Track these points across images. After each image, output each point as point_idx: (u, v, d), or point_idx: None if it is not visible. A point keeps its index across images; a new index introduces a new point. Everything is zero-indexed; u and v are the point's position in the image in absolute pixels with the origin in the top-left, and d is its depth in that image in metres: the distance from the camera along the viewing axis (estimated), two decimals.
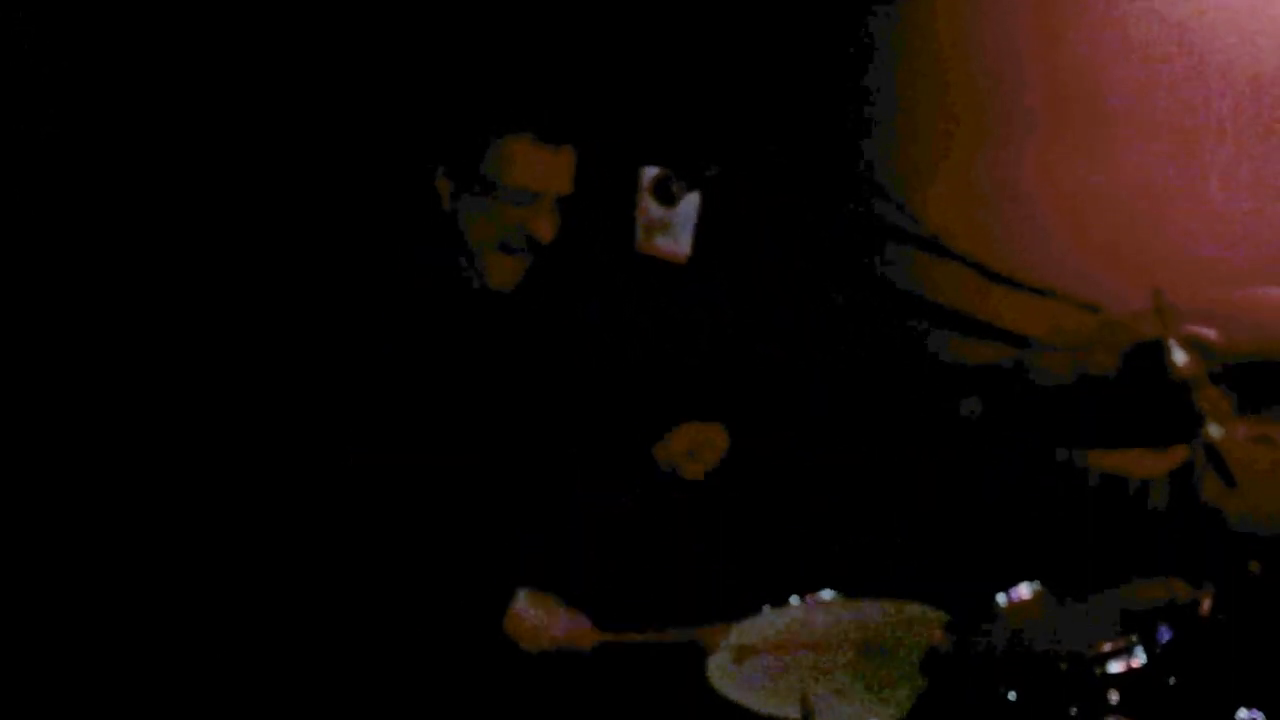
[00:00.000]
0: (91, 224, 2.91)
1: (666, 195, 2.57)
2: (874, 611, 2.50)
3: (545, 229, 2.44)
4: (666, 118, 3.03)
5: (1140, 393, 2.11)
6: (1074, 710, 1.91)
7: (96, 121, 2.91)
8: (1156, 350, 2.10)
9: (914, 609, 2.47)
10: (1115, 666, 1.93)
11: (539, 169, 2.41)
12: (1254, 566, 2.32)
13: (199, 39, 2.93)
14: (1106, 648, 1.93)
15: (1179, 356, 2.08)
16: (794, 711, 2.15)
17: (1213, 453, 2.01)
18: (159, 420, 2.85)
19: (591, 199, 2.73)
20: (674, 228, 2.62)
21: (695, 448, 2.66)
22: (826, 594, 2.55)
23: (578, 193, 2.56)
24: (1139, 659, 1.92)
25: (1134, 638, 1.93)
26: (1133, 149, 2.94)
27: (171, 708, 2.67)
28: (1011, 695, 1.94)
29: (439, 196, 2.43)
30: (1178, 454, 2.50)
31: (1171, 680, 1.92)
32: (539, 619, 2.39)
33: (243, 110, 2.95)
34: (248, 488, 2.41)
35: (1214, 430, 1.97)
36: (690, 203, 2.60)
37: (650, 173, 2.58)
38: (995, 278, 2.71)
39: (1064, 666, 1.94)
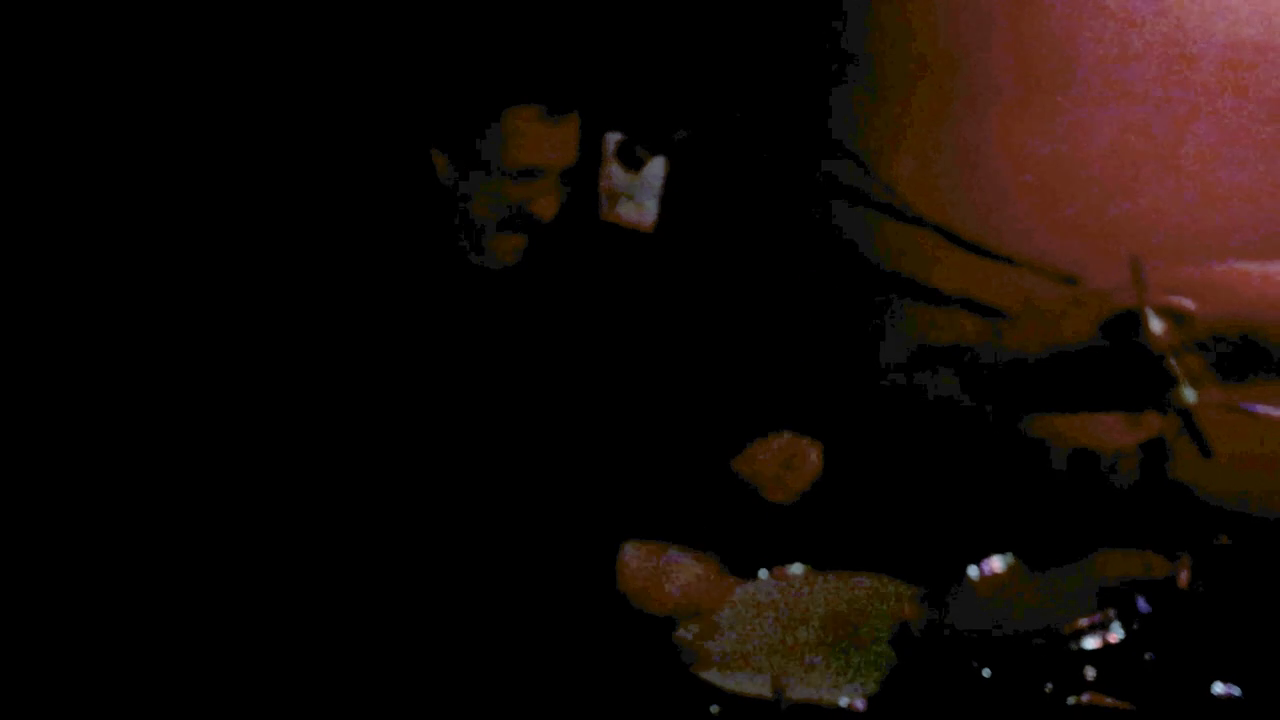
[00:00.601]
0: (74, 193, 2.84)
1: (631, 160, 2.51)
2: (844, 586, 2.46)
3: (548, 207, 2.38)
4: (630, 82, 2.97)
5: (1115, 361, 2.06)
6: (1049, 686, 1.87)
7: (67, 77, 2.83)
8: (1133, 320, 2.05)
9: (885, 583, 2.43)
10: (1091, 642, 1.89)
11: (542, 144, 2.35)
12: (1223, 540, 2.30)
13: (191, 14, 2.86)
14: (1082, 623, 1.89)
15: (1156, 326, 2.04)
16: (763, 689, 2.12)
17: (1187, 419, 1.96)
18: (152, 404, 2.79)
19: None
20: (639, 196, 2.57)
21: (786, 466, 2.52)
22: (795, 568, 2.51)
23: None
24: (1116, 634, 1.88)
25: (1111, 612, 1.89)
26: (1105, 117, 2.91)
27: (183, 704, 2.62)
28: (986, 672, 1.90)
29: (435, 173, 2.36)
30: (1151, 423, 2.47)
31: (1149, 655, 1.88)
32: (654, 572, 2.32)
33: (237, 87, 2.88)
34: (246, 470, 2.35)
35: (1189, 394, 1.93)
36: (655, 170, 2.55)
37: (614, 138, 2.52)
38: (966, 245, 2.66)
39: (1039, 642, 1.90)
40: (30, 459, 2.78)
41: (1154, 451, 2.66)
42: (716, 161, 2.83)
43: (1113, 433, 2.58)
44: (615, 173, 2.54)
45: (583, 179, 2.60)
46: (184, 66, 2.88)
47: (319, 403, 2.30)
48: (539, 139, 2.36)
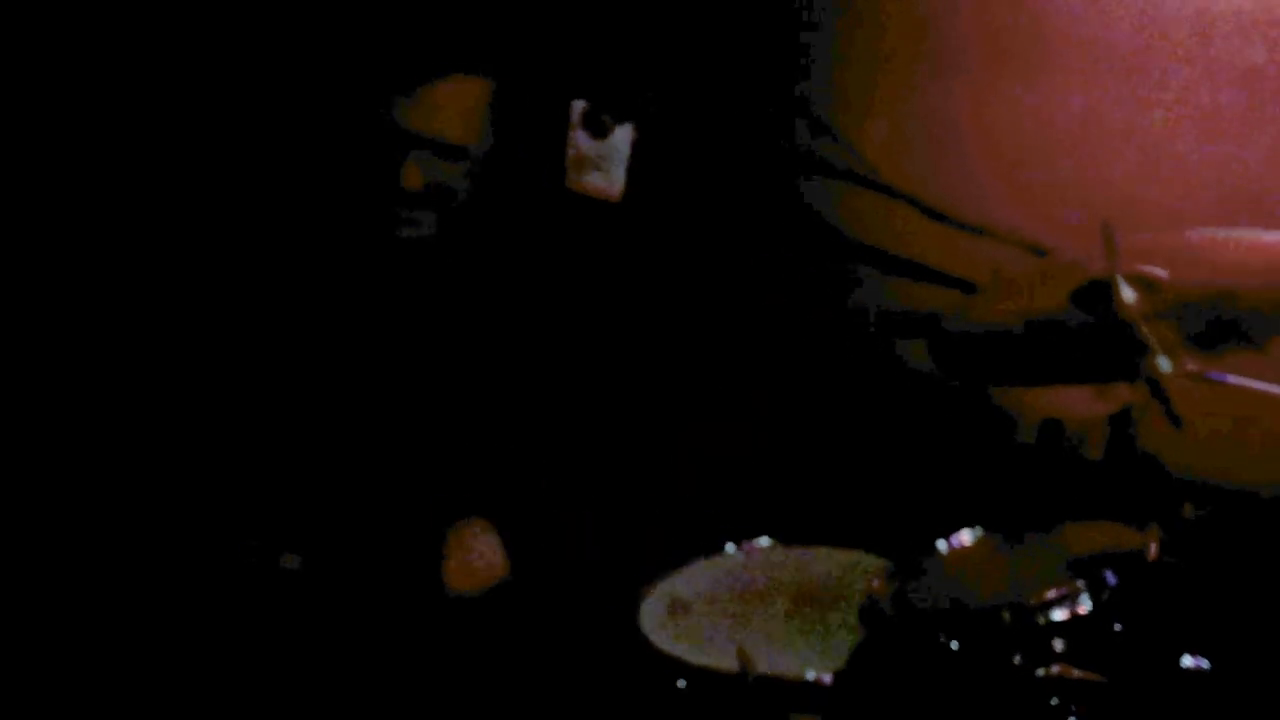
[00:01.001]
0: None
1: (598, 128, 2.48)
2: (812, 560, 2.44)
3: (458, 180, 2.33)
4: (595, 48, 2.93)
5: (1086, 330, 2.04)
6: (1018, 659, 1.85)
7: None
8: (1104, 289, 2.03)
9: (852, 556, 2.41)
10: (1059, 614, 1.87)
11: (452, 117, 2.30)
12: (1187, 510, 2.28)
13: None
14: (1050, 595, 1.87)
15: (1128, 294, 2.01)
16: (730, 664, 2.09)
17: (1157, 389, 1.94)
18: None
19: (519, 136, 2.67)
20: (606, 164, 2.54)
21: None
22: (762, 541, 2.49)
23: (505, 129, 2.47)
24: (1084, 606, 1.86)
25: (1079, 584, 1.87)
26: (1075, 86, 2.87)
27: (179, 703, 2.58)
28: (954, 645, 1.88)
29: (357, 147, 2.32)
30: (1120, 394, 2.45)
31: (1117, 627, 1.86)
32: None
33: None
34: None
35: (1163, 363, 1.90)
36: (622, 138, 2.51)
37: (579, 106, 2.49)
38: (935, 216, 2.64)
39: (1006, 615, 1.88)
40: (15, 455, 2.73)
41: (1122, 422, 2.65)
42: (683, 129, 2.79)
43: (1081, 404, 2.56)
44: (582, 140, 2.51)
45: (549, 148, 2.57)
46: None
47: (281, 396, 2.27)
48: (450, 111, 2.32)
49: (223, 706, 2.31)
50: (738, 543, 2.48)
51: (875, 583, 2.07)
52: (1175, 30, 2.83)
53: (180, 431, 2.49)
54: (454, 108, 2.34)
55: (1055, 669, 1.82)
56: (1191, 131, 2.83)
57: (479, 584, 2.28)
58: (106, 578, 2.58)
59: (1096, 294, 2.04)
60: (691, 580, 2.42)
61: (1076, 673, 1.80)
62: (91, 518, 2.63)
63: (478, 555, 2.27)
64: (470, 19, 2.43)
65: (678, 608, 2.34)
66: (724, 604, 2.35)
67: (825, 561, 2.43)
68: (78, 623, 2.59)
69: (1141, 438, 2.58)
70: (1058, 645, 1.85)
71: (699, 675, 2.14)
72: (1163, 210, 2.81)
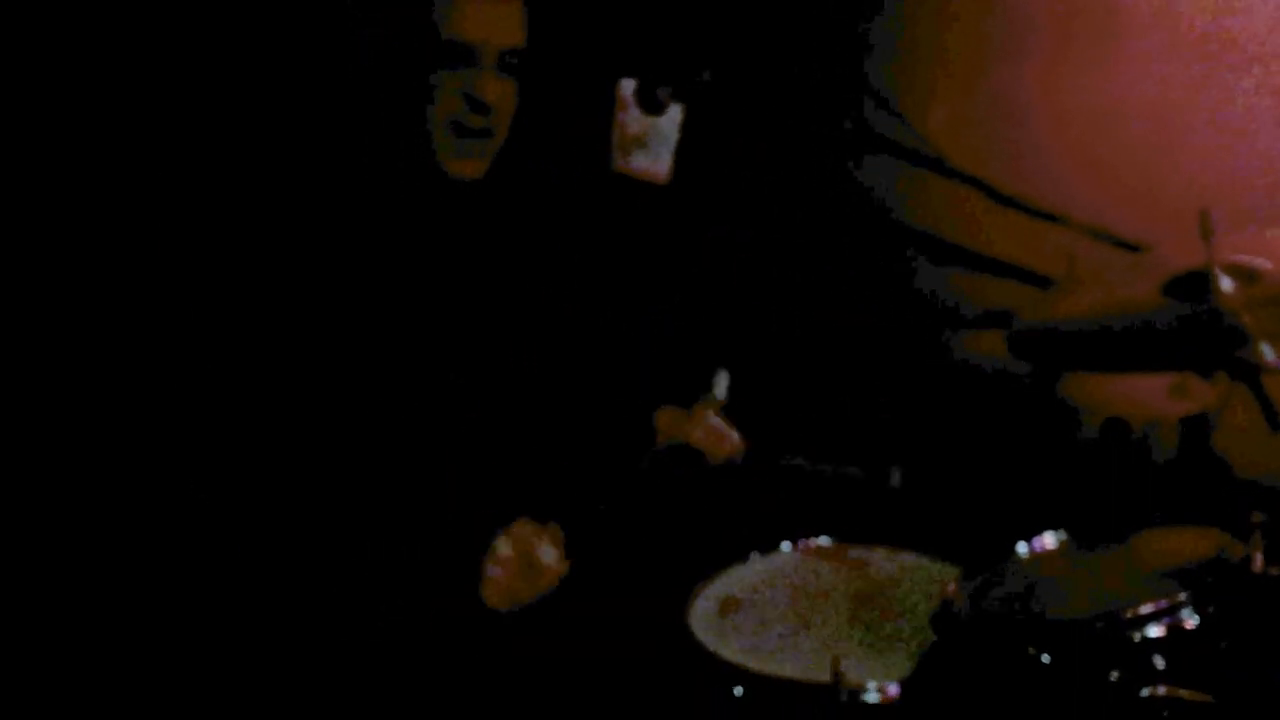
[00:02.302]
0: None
1: (652, 103, 2.37)
2: (873, 560, 2.32)
3: (490, 89, 2.20)
4: (648, 25, 2.81)
5: (1180, 324, 1.92)
6: (1114, 675, 1.72)
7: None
8: (1201, 280, 1.90)
9: (916, 558, 2.29)
10: (1159, 628, 1.74)
11: (480, 18, 2.19)
12: (1257, 518, 2.16)
13: None
14: (1148, 608, 1.73)
15: (1226, 284, 1.89)
16: (782, 669, 1.99)
17: (1257, 384, 1.82)
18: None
19: (565, 113, 2.55)
20: (653, 145, 2.43)
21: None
22: (822, 540, 2.37)
23: (549, 107, 2.34)
24: (1189, 620, 1.73)
25: (1182, 596, 1.74)
26: (1149, 69, 2.75)
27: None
28: (1045, 658, 1.75)
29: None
30: (1199, 393, 2.34)
31: (1223, 643, 1.74)
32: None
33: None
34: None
35: (1266, 351, 1.79)
36: (672, 118, 2.40)
37: (629, 84, 2.37)
38: (1005, 201, 2.51)
39: (1100, 626, 1.75)
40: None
41: (1197, 424, 2.54)
42: (737, 109, 2.68)
43: (1157, 403, 2.44)
44: (632, 117, 2.39)
45: (596, 130, 2.45)
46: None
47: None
48: (477, 12, 2.19)
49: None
50: (794, 540, 2.36)
51: (950, 587, 1.94)
52: (1255, 15, 2.71)
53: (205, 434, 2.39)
54: (494, 13, 2.22)
55: (1162, 689, 1.69)
56: (1271, 120, 2.71)
57: (535, 591, 2.15)
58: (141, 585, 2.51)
59: (1193, 284, 1.92)
60: (745, 578, 2.31)
61: (1183, 692, 1.67)
62: (123, 521, 2.55)
63: (536, 560, 2.14)
64: None
65: (730, 607, 2.23)
66: (779, 604, 2.23)
67: (887, 563, 2.31)
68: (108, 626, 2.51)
69: (1219, 438, 2.46)
70: (1158, 661, 1.72)
71: (757, 681, 2.01)
72: (1237, 201, 2.68)
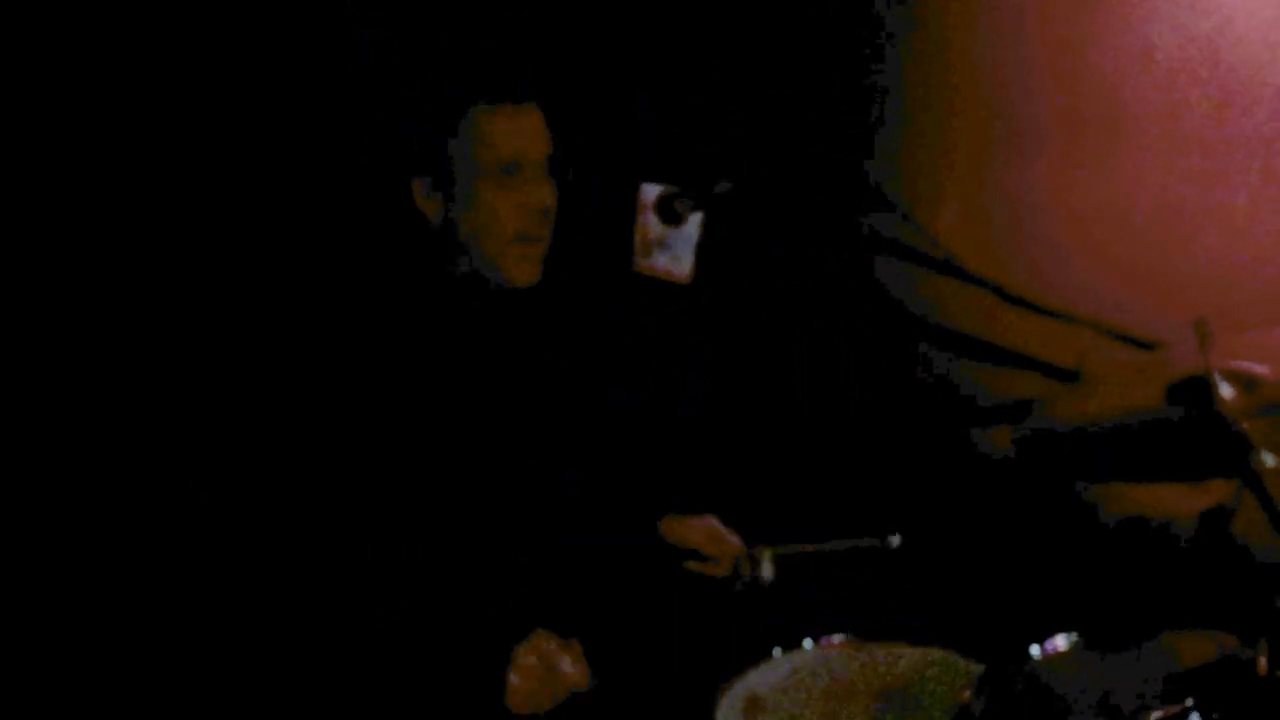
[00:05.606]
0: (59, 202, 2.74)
1: (671, 214, 2.44)
2: (894, 657, 2.36)
3: (545, 195, 2.31)
4: (665, 132, 2.89)
5: (1184, 427, 1.97)
6: None
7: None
8: (1202, 386, 1.96)
9: (937, 654, 2.33)
10: None
11: (513, 137, 2.29)
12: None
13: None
14: (1157, 713, 1.78)
15: (1226, 390, 1.95)
16: None
17: (1259, 488, 1.87)
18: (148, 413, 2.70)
19: (587, 218, 2.64)
20: (675, 247, 2.49)
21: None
22: (839, 637, 2.41)
23: (574, 212, 2.42)
24: None
25: (1189, 701, 1.79)
26: (1155, 166, 2.82)
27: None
28: None
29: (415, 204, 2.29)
30: (1215, 491, 2.38)
31: None
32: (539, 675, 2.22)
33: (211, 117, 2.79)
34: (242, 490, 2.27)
35: (1268, 459, 1.84)
36: (693, 222, 2.47)
37: (652, 190, 2.45)
38: (1014, 300, 2.57)
39: None
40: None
41: (1215, 519, 2.57)
42: (755, 212, 2.75)
43: (1174, 500, 2.48)
44: (652, 224, 2.46)
45: (617, 230, 2.53)
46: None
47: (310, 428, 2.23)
48: (508, 133, 2.29)
49: None
50: (815, 638, 2.41)
51: (966, 693, 1.99)
52: (1257, 110, 2.77)
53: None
54: (522, 126, 2.33)
55: None
56: (1275, 213, 2.76)
57: (557, 697, 2.21)
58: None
59: (1194, 390, 1.97)
60: (768, 677, 2.35)
61: None
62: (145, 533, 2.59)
63: (556, 669, 2.20)
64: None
65: (755, 707, 2.27)
66: (803, 704, 2.28)
67: (906, 659, 2.36)
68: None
69: (1238, 534, 2.50)
70: None
71: None
72: (1246, 294, 2.75)
